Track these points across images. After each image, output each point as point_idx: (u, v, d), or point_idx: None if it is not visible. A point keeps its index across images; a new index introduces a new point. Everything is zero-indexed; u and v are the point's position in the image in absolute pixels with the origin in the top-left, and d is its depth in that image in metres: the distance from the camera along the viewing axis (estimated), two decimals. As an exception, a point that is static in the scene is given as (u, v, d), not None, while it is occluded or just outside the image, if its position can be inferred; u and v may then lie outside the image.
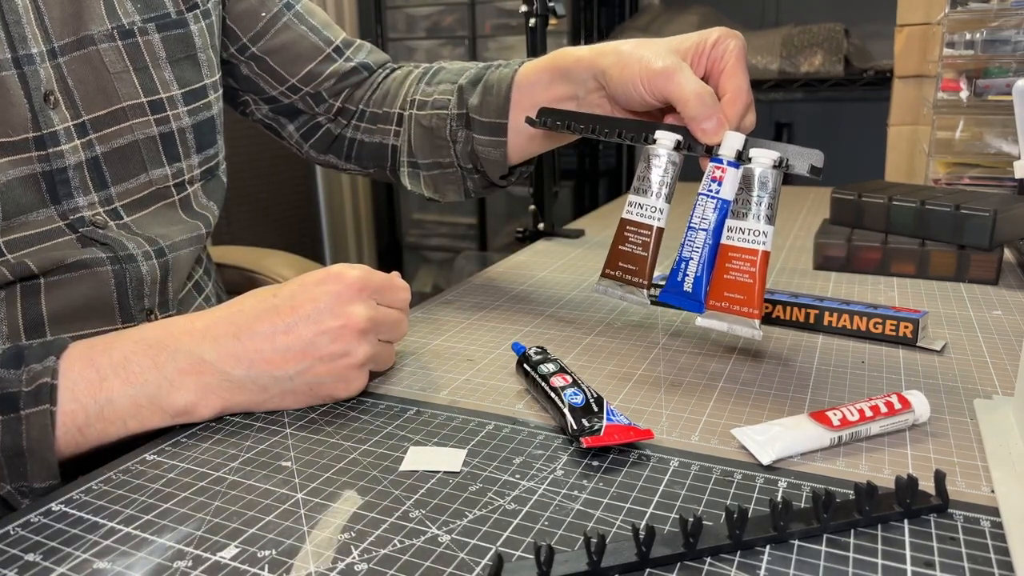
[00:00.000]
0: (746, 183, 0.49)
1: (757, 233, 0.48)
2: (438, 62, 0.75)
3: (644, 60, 0.55)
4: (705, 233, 0.50)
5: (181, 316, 0.49)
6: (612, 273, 0.54)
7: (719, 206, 0.50)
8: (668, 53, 0.55)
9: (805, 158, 0.48)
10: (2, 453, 0.43)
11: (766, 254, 0.48)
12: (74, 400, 0.44)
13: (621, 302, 0.51)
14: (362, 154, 0.76)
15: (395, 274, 0.53)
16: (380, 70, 0.76)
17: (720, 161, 0.51)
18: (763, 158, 0.49)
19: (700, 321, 0.50)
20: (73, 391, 0.44)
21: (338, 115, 0.75)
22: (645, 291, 0.52)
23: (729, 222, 0.49)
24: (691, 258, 0.50)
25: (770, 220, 0.48)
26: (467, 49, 2.23)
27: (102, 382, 0.45)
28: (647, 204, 0.53)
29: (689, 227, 0.51)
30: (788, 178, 0.50)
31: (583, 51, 0.61)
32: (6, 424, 0.43)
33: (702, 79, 0.54)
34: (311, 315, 0.47)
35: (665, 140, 0.53)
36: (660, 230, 0.52)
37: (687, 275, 0.50)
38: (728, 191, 0.50)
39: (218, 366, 0.46)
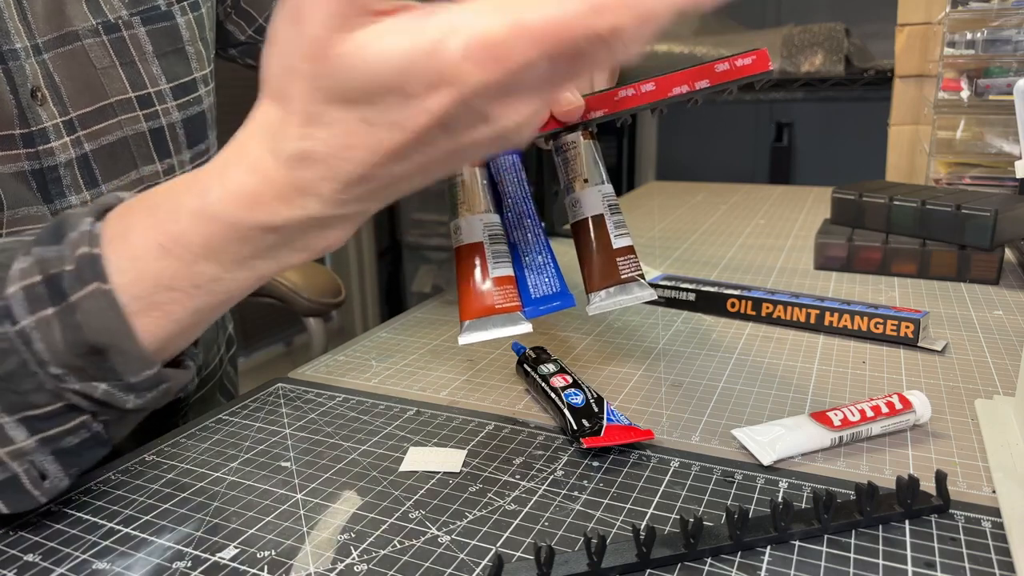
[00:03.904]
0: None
1: (575, 203, 0.44)
2: None
3: None
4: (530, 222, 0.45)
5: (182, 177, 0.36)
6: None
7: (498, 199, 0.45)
8: None
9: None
10: (74, 352, 0.33)
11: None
12: (132, 261, 0.33)
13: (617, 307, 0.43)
14: None
15: None
16: None
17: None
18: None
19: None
20: (126, 248, 0.33)
21: None
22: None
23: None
24: (527, 264, 0.44)
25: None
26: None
27: (161, 226, 0.33)
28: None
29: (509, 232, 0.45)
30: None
31: None
32: (61, 317, 0.33)
33: None
34: None
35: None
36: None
37: (534, 282, 0.44)
38: (506, 181, 0.45)
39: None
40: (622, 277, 0.43)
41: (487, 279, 0.42)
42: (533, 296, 0.44)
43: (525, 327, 0.42)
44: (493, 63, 0.27)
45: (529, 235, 0.44)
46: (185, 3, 0.60)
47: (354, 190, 0.31)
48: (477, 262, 0.42)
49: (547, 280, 0.44)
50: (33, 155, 0.52)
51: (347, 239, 0.34)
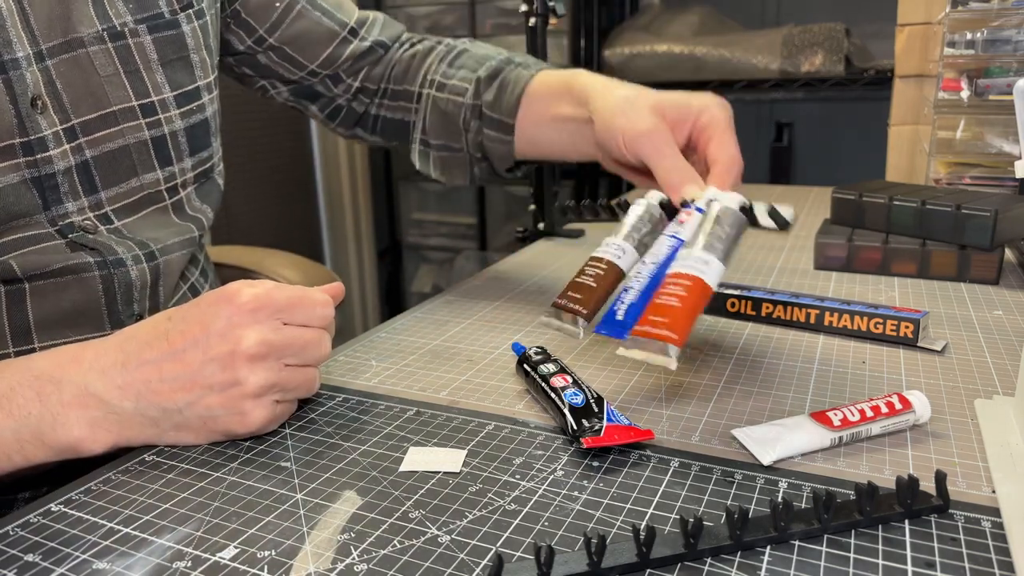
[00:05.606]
0: (705, 219, 0.49)
1: (699, 260, 0.46)
2: (463, 41, 0.75)
3: (628, 118, 0.56)
4: (653, 266, 0.49)
5: (74, 344, 0.46)
6: (559, 302, 0.50)
7: (674, 245, 0.49)
8: (651, 115, 0.55)
9: (764, 206, 0.50)
10: None
11: (701, 283, 0.45)
12: None
13: (558, 332, 0.50)
14: (385, 129, 0.78)
15: (313, 289, 0.48)
16: (396, 45, 0.76)
17: (688, 206, 0.50)
18: (728, 200, 0.49)
19: (620, 351, 0.46)
20: None
21: (358, 94, 0.76)
22: (582, 321, 0.48)
23: (679, 253, 0.48)
24: (631, 287, 0.48)
25: (715, 252, 0.46)
26: (467, 49, 2.22)
27: None
28: (612, 242, 0.51)
29: (639, 262, 0.50)
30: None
31: (596, 82, 0.62)
32: None
33: (686, 144, 0.55)
34: (200, 340, 0.43)
35: (651, 195, 0.53)
36: (616, 268, 0.50)
37: (622, 303, 0.48)
38: (687, 233, 0.49)
39: (104, 398, 0.43)
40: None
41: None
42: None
43: (671, 363, 0.44)
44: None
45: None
46: (191, 11, 0.59)
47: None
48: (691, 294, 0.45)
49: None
50: (32, 163, 0.52)
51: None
